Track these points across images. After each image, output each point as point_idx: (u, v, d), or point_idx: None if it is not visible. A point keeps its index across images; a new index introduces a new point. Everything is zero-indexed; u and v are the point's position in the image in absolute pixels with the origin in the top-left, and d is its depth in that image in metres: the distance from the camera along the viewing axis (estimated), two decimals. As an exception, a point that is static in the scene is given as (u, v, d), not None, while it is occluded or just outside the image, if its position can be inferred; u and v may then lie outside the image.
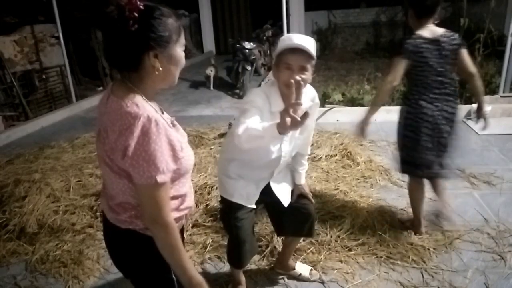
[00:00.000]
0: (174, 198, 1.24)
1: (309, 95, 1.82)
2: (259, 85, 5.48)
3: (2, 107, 5.83)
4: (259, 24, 9.63)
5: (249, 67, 6.77)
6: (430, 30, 2.36)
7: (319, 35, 10.33)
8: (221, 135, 4.51)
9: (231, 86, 7.25)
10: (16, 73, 6.02)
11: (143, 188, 1.11)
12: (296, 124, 1.31)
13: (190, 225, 2.79)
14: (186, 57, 1.21)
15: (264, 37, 8.62)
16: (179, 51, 1.16)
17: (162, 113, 1.25)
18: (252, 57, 6.93)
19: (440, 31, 2.38)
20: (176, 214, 1.25)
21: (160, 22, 1.09)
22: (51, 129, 5.55)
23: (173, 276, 1.28)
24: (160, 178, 1.09)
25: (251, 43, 7.05)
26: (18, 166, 3.88)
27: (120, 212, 1.23)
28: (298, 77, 1.53)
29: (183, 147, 1.18)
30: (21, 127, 5.48)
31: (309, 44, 1.62)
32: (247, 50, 6.86)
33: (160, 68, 1.11)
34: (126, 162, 1.09)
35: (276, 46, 1.71)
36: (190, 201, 1.33)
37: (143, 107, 1.10)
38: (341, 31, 10.25)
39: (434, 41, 2.33)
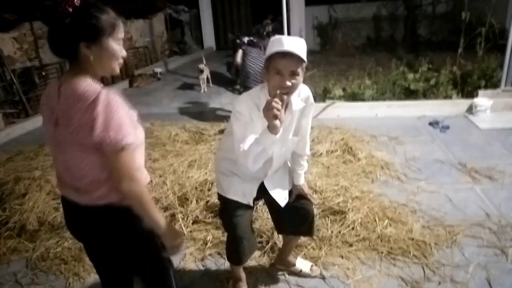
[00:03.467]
0: None
1: (302, 96, 1.78)
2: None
3: (2, 104, 5.82)
4: (259, 19, 9.57)
5: (249, 63, 6.72)
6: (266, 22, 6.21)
7: (320, 30, 10.27)
8: (221, 131, 4.49)
9: (231, 81, 7.23)
10: (16, 70, 5.99)
11: (114, 154, 1.21)
12: (279, 115, 1.45)
13: (191, 221, 2.78)
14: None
15: (264, 33, 8.54)
16: (112, 44, 1.27)
17: None
18: (252, 53, 6.88)
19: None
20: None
21: (92, 17, 1.21)
22: (51, 126, 5.53)
23: (163, 255, 1.40)
24: (128, 139, 1.20)
25: (251, 38, 7.01)
26: (18, 163, 3.87)
27: (93, 190, 1.29)
28: (288, 82, 1.58)
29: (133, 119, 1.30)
30: (21, 124, 5.48)
31: (300, 47, 1.56)
32: (247, 46, 6.82)
33: (91, 57, 1.24)
34: (94, 134, 1.18)
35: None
36: (145, 173, 1.40)
37: (96, 84, 1.24)
38: (342, 25, 10.18)
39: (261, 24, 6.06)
